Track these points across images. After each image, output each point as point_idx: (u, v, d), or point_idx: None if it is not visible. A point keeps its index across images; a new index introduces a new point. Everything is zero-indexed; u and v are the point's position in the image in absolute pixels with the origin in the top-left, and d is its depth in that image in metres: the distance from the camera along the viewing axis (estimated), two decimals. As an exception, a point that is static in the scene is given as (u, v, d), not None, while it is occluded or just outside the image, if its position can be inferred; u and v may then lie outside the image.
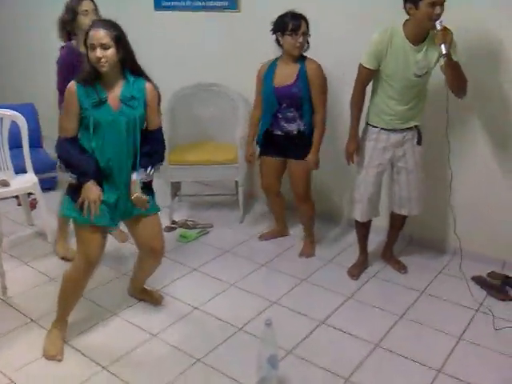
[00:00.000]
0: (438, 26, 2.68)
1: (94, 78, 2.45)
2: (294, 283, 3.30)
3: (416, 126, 3.07)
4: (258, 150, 3.64)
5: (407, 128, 3.05)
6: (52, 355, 2.59)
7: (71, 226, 3.51)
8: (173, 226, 4.03)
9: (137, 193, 2.56)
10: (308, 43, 3.29)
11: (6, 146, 3.68)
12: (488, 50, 3.16)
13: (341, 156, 3.28)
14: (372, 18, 3.41)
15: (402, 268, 3.44)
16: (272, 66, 3.37)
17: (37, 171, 3.74)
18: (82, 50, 3.14)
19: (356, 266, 3.43)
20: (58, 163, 3.03)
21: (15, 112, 3.63)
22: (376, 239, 3.58)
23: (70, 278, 2.64)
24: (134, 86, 2.51)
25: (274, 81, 3.33)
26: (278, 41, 3.28)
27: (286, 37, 3.21)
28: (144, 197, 2.58)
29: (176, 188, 4.32)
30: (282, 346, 2.58)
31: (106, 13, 3.05)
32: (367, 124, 3.14)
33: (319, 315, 2.96)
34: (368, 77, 3.00)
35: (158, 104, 2.63)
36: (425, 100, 3.05)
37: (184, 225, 4.04)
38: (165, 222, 3.71)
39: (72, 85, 2.47)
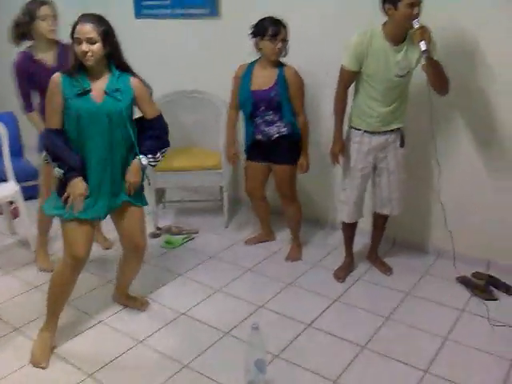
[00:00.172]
0: (416, 25, 2.73)
1: (80, 71, 2.46)
2: (281, 287, 3.29)
3: (399, 129, 3.09)
4: (244, 155, 3.64)
5: (390, 130, 3.07)
6: (37, 361, 2.57)
7: (51, 234, 3.53)
8: (157, 232, 4.01)
9: (136, 179, 2.61)
10: (286, 50, 3.30)
11: (-13, 155, 3.64)
12: (465, 49, 3.19)
13: (324, 159, 3.29)
14: (349, 20, 3.46)
15: (387, 270, 3.45)
16: (249, 69, 3.37)
17: (18, 180, 3.69)
18: (39, 56, 3.14)
19: (342, 269, 3.44)
20: (44, 155, 3.01)
21: (-5, 120, 3.59)
22: (361, 241, 3.60)
23: (58, 277, 2.62)
24: (119, 79, 2.52)
25: (251, 84, 3.34)
26: (257, 45, 3.29)
27: (264, 41, 3.22)
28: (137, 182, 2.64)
29: (160, 194, 4.31)
30: (269, 350, 2.58)
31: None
32: (350, 127, 3.16)
33: (306, 318, 2.96)
34: (350, 78, 3.02)
35: (150, 95, 2.64)
36: (406, 102, 3.07)
37: (169, 231, 4.02)
38: (149, 229, 3.69)
39: (57, 75, 2.47)
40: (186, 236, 3.96)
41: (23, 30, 3.15)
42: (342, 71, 3.01)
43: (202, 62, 4.38)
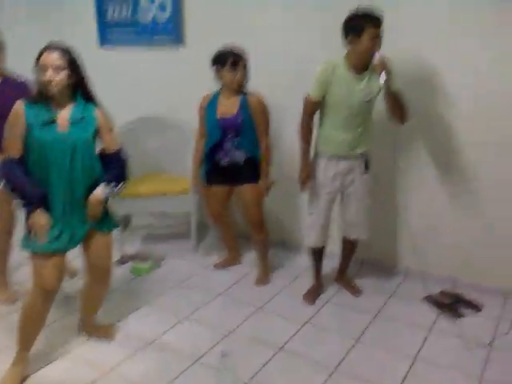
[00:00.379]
0: (376, 57, 2.82)
1: (44, 99, 2.42)
2: (251, 311, 3.27)
3: (363, 154, 3.14)
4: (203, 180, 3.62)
5: (354, 156, 3.11)
6: None
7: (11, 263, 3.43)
8: (124, 259, 3.95)
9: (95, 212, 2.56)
10: (247, 78, 3.34)
11: None
12: (423, 76, 3.30)
13: (289, 183, 3.32)
14: (310, 49, 3.56)
15: (356, 291, 3.47)
16: (215, 98, 3.40)
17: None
18: None
19: (311, 292, 3.44)
20: (2, 185, 2.91)
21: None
22: (330, 264, 3.61)
23: (29, 309, 2.55)
24: (84, 108, 2.50)
25: (217, 112, 3.36)
26: (217, 74, 3.32)
27: (224, 71, 3.26)
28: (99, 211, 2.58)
29: (126, 220, 4.25)
30: (240, 376, 2.54)
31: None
32: (316, 154, 3.19)
33: (277, 342, 2.94)
34: (314, 107, 3.06)
35: (112, 128, 2.61)
36: (370, 128, 3.13)
37: (135, 258, 3.96)
38: (115, 256, 3.62)
39: (20, 104, 2.42)
40: (153, 263, 3.91)
41: None
42: (306, 100, 3.04)
43: (167, 88, 4.38)
